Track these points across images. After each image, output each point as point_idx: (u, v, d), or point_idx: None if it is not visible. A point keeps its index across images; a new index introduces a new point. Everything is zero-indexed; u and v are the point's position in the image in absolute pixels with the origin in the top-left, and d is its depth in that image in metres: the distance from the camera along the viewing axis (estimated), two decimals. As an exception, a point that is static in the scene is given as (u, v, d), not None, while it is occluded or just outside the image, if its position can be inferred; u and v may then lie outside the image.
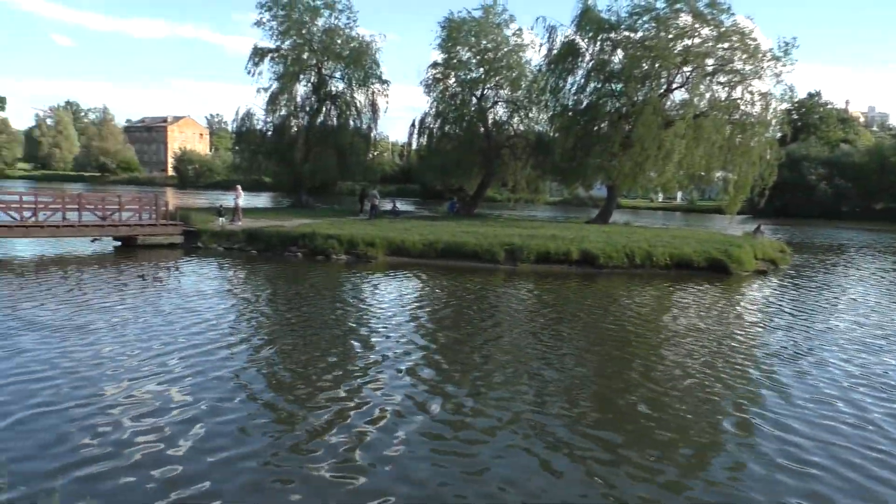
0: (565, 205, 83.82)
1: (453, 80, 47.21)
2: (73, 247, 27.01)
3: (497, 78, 45.74)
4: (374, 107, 49.44)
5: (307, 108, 48.81)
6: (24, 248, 26.12)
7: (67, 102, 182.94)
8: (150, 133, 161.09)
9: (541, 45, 43.42)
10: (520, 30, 46.26)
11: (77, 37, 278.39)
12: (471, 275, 23.32)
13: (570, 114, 41.84)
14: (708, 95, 39.34)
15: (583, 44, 41.31)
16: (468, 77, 46.40)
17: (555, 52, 42.08)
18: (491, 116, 47.38)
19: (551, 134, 44.38)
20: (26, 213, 25.53)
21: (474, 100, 46.74)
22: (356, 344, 13.11)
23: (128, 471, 7.30)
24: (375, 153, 57.56)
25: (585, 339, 14.45)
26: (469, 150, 46.13)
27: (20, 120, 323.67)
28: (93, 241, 27.82)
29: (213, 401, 9.45)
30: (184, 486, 7.01)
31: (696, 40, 38.40)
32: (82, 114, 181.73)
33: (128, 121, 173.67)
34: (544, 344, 13.66)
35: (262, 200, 63.54)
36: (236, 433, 8.40)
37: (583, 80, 41.66)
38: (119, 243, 27.89)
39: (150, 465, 7.45)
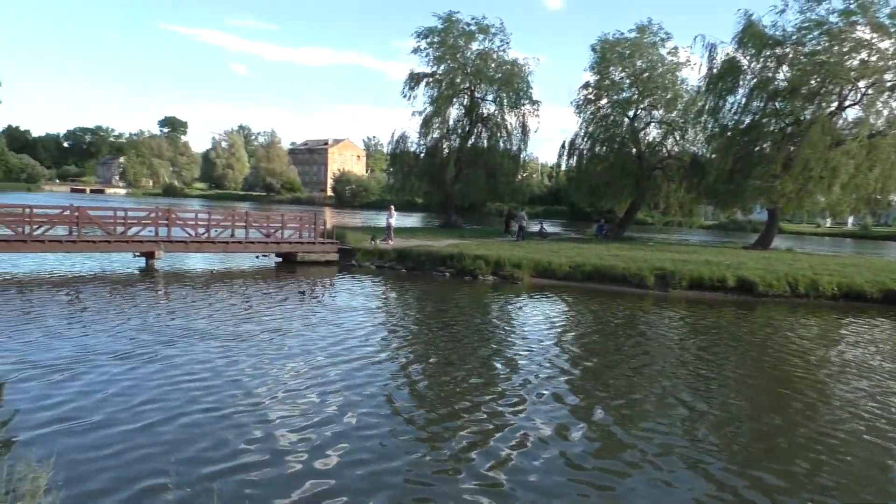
0: (721, 229, 79.95)
1: (605, 100, 46.53)
2: (239, 262, 28.96)
3: (651, 98, 44.60)
4: (524, 128, 49.65)
5: (459, 131, 49.79)
6: (197, 262, 28.29)
7: (240, 126, 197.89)
8: (311, 155, 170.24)
9: (700, 64, 42.02)
10: (675, 48, 44.93)
11: (252, 66, 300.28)
12: (618, 299, 22.72)
13: (728, 134, 40.00)
14: (886, 113, 36.32)
15: (744, 61, 39.46)
16: (620, 98, 45.58)
17: (714, 70, 40.46)
18: (643, 137, 46.21)
19: (707, 155, 42.61)
20: (200, 230, 27.67)
21: (626, 120, 45.81)
22: (500, 365, 13.09)
23: (278, 478, 7.63)
24: (524, 174, 57.68)
25: (741, 371, 13.63)
26: (620, 171, 45.17)
27: (199, 143, 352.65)
28: (257, 257, 29.70)
29: (360, 415, 9.73)
30: (328, 498, 7.24)
31: (874, 55, 35.58)
32: (253, 137, 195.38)
33: (292, 143, 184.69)
34: (696, 374, 13.02)
35: (413, 220, 65.35)
36: (380, 448, 8.58)
37: (744, 99, 39.74)
38: (280, 259, 29.58)
39: (299, 476, 7.74)
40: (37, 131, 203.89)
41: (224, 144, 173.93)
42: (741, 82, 39.82)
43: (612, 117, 46.27)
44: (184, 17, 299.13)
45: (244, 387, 10.78)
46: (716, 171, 39.14)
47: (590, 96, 46.95)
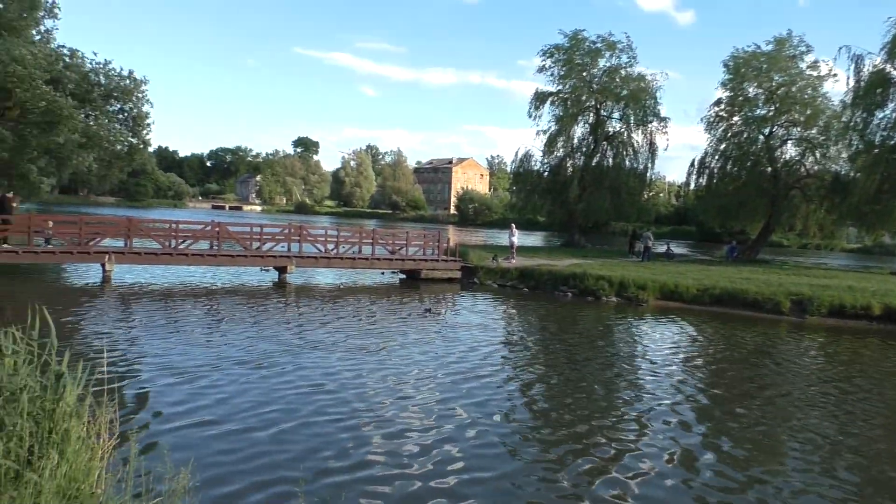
0: (865, 253, 74.58)
1: (738, 117, 44.73)
2: (365, 277, 29.84)
3: (788, 114, 42.45)
4: (651, 146, 48.46)
5: (583, 149, 49.25)
6: (325, 277, 29.38)
7: (368, 146, 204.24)
8: (436, 174, 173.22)
9: (847, 78, 39.54)
10: (816, 62, 42.62)
11: (380, 87, 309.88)
12: (750, 325, 21.67)
13: (876, 151, 37.39)
14: None
15: (895, 73, 36.86)
16: (755, 114, 43.66)
17: (861, 83, 38.02)
18: (779, 155, 44.00)
19: (852, 174, 40.01)
20: (330, 246, 28.76)
21: (761, 138, 43.80)
22: (623, 389, 12.79)
23: (400, 493, 7.75)
24: (650, 193, 56.23)
25: (887, 406, 12.64)
26: (753, 191, 43.19)
27: (329, 162, 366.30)
28: (382, 273, 30.50)
29: (480, 432, 9.75)
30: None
31: None
32: (380, 156, 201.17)
33: (418, 163, 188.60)
34: (836, 408, 12.18)
35: (535, 239, 65.07)
36: (499, 467, 8.55)
37: (894, 114, 37.10)
38: (404, 276, 30.23)
39: (421, 493, 7.82)
40: (183, 151, 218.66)
41: (353, 163, 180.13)
42: (891, 96, 37.21)
43: (745, 134, 44.39)
44: (317, 41, 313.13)
45: (367, 399, 11.06)
46: (861, 191, 36.69)
47: (722, 113, 45.29)
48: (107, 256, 24.03)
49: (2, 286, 19.53)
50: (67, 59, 30.41)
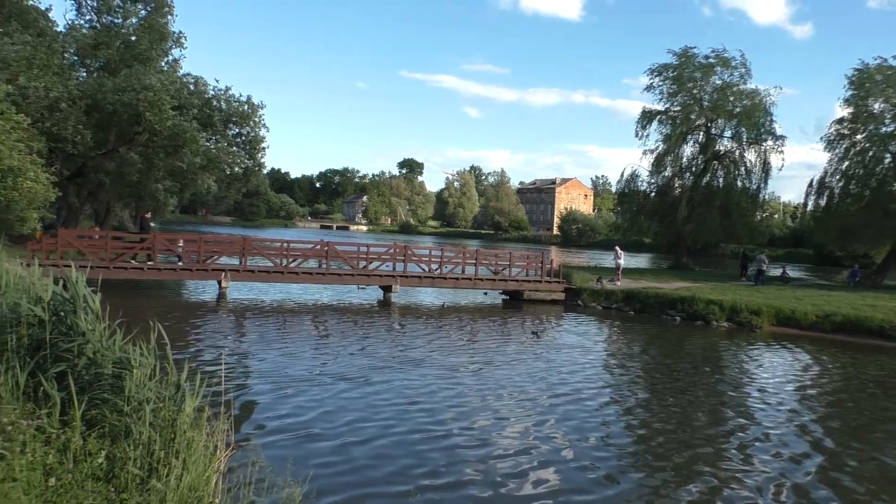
0: None
1: (861, 135, 42.28)
2: (468, 297, 30.02)
3: (920, 130, 39.78)
4: (765, 165, 46.51)
5: (692, 168, 47.85)
6: (428, 296, 29.77)
7: (472, 167, 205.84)
8: (539, 194, 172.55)
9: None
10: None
11: (483, 108, 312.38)
12: (873, 354, 20.38)
13: None
14: None
15: None
16: (880, 131, 41.18)
17: None
18: (909, 174, 41.23)
19: None
20: (433, 266, 29.14)
21: (888, 157, 41.24)
22: (729, 418, 12.34)
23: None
24: (763, 214, 53.92)
25: None
26: (878, 212, 40.58)
27: (433, 183, 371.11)
28: (485, 293, 30.60)
29: (578, 454, 9.67)
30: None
31: None
32: (483, 177, 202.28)
33: (521, 183, 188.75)
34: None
35: (640, 261, 63.61)
36: (597, 492, 8.45)
37: None
38: (507, 297, 30.22)
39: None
40: (294, 173, 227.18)
41: (456, 184, 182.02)
42: None
43: (870, 153, 41.89)
44: (424, 65, 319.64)
45: (465, 417, 11.16)
46: None
47: (844, 131, 42.95)
48: (223, 274, 25.26)
49: (128, 301, 20.87)
50: (192, 87, 32.40)
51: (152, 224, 29.62)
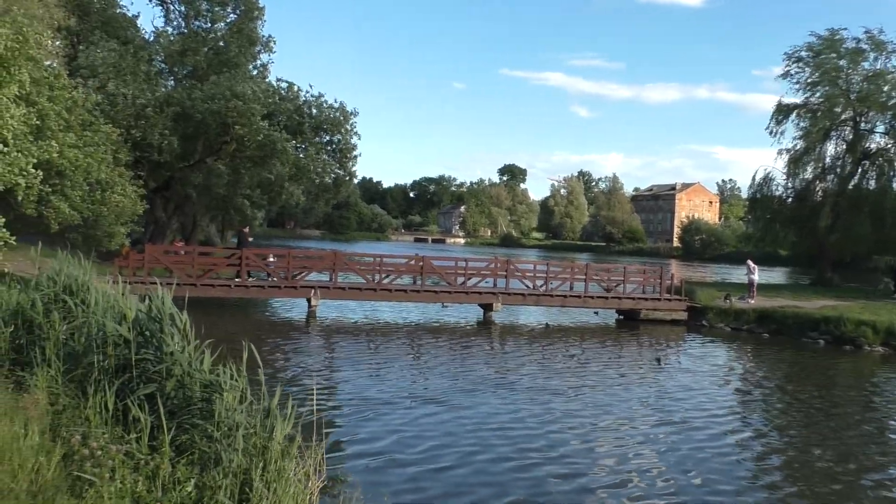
0: None
1: None
2: (576, 317, 29.67)
3: None
4: (929, 165, 43.83)
5: (837, 169, 45.64)
6: (532, 316, 29.60)
7: (580, 172, 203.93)
8: (656, 202, 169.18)
9: None
10: None
11: (594, 107, 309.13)
12: None
13: None
14: None
15: None
16: None
17: None
18: None
19: None
20: (538, 282, 28.97)
21: None
22: (880, 453, 11.63)
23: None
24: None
25: None
26: None
27: (537, 190, 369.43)
28: (595, 313, 30.14)
29: (700, 488, 9.33)
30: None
31: None
32: (593, 183, 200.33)
33: (636, 189, 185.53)
34: None
35: (776, 275, 61.17)
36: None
37: None
38: (621, 316, 29.68)
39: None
40: (387, 182, 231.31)
41: (563, 191, 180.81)
42: None
43: None
44: (527, 61, 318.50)
45: (563, 445, 11.04)
46: None
47: None
48: (312, 291, 25.94)
49: (214, 320, 21.72)
50: (284, 93, 33.58)
51: (250, 239, 30.72)
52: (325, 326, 23.74)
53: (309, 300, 25.90)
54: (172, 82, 35.05)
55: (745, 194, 55.00)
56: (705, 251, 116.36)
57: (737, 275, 49.43)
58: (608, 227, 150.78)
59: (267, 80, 35.13)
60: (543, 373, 17.14)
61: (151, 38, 34.97)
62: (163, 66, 35.10)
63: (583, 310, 30.10)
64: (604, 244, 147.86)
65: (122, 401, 6.54)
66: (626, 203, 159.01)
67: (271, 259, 28.01)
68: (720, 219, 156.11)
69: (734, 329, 27.51)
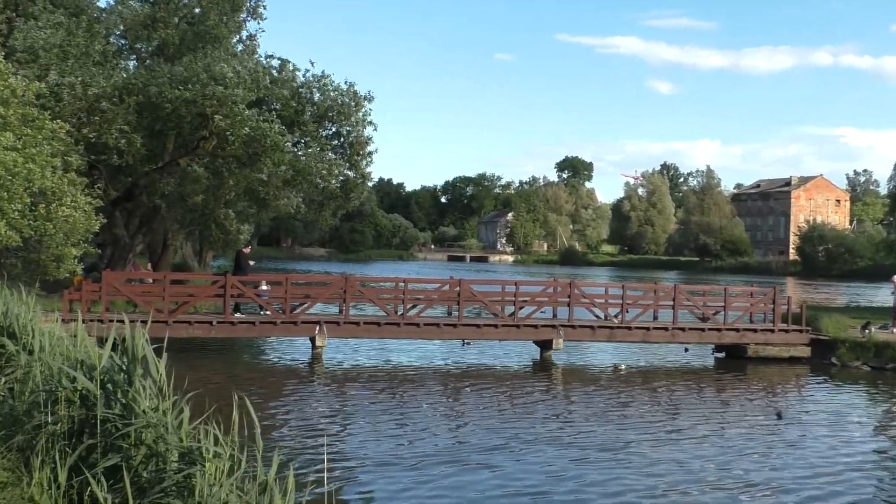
0: None
1: None
2: (662, 355, 29.42)
3: None
4: None
5: None
6: (605, 354, 29.48)
7: (663, 166, 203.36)
8: (765, 202, 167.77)
9: None
10: None
11: (679, 81, 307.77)
12: None
13: None
14: None
15: None
16: None
17: None
18: None
19: None
20: (611, 311, 28.81)
21: None
22: None
23: None
24: None
25: None
26: None
27: (608, 190, 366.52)
28: (686, 349, 29.87)
29: None
30: None
31: None
32: (681, 180, 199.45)
33: (737, 186, 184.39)
34: None
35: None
36: None
37: None
38: (721, 354, 29.42)
39: None
40: (411, 184, 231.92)
41: (641, 192, 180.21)
42: None
43: None
44: (591, 24, 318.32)
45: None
46: None
47: None
48: (317, 328, 26.06)
49: (194, 368, 21.87)
50: (276, 73, 33.38)
51: (252, 263, 30.70)
52: (334, 373, 23.85)
53: (313, 339, 26.04)
54: (135, 63, 35.43)
55: (884, 190, 54.41)
56: (832, 266, 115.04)
57: (880, 296, 48.72)
58: (702, 237, 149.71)
59: (255, 56, 35.29)
60: (622, 433, 16.97)
61: (108, 6, 35.34)
62: (122, 42, 35.54)
63: (670, 346, 29.87)
64: (696, 259, 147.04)
65: (77, 476, 6.57)
66: (725, 204, 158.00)
67: (264, 287, 28.17)
68: (851, 223, 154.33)
69: (875, 368, 27.09)
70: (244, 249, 30.95)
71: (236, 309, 27.18)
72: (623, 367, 26.50)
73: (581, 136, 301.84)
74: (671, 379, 24.95)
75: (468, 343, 29.07)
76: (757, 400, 21.75)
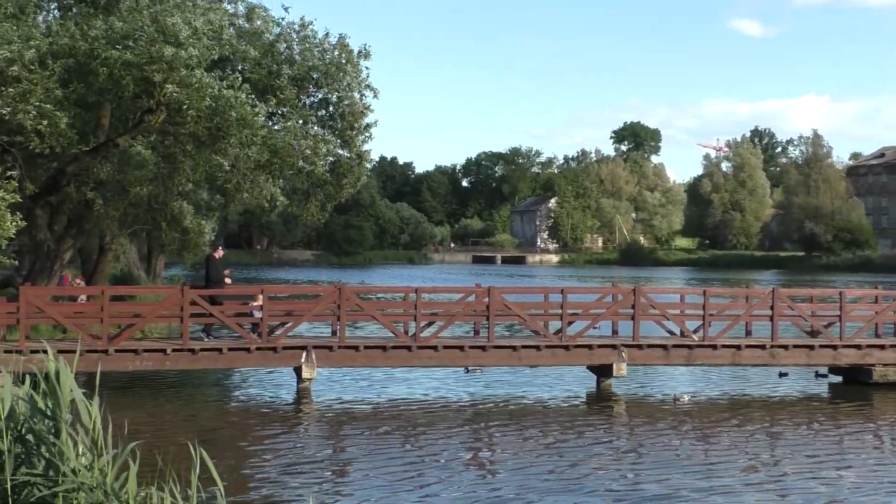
0: None
1: None
2: (759, 381, 29.29)
3: None
4: None
5: None
6: (681, 380, 29.48)
7: (754, 133, 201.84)
8: (892, 176, 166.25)
9: None
10: None
11: (770, 19, 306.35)
12: None
13: None
14: None
15: None
16: None
17: None
18: None
19: None
20: (689, 325, 28.64)
21: None
22: None
23: None
24: None
25: None
26: None
27: (680, 166, 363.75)
28: (782, 374, 29.59)
29: None
30: None
31: None
32: (777, 149, 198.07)
33: (853, 156, 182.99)
34: None
35: None
36: None
37: None
38: (838, 378, 29.24)
39: None
40: (422, 164, 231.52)
41: (725, 167, 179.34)
42: None
43: None
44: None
45: None
46: None
47: None
48: (304, 355, 26.00)
49: (145, 409, 21.92)
50: (243, 23, 33.11)
51: (228, 273, 29.80)
52: (325, 413, 23.84)
53: (298, 370, 26.00)
54: (57, 14, 35.31)
55: None
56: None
57: None
58: (807, 224, 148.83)
59: (215, 2, 35.02)
60: (711, 488, 16.96)
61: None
62: (43, -10, 35.45)
63: (767, 368, 29.69)
64: (801, 254, 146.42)
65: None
66: (839, 181, 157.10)
67: (256, 304, 27.70)
68: None
69: None
70: (215, 253, 29.86)
71: (206, 333, 27.12)
72: (686, 397, 26.33)
73: (644, 95, 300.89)
74: (771, 414, 24.81)
75: (474, 370, 28.97)
76: (889, 441, 21.64)
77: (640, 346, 27.85)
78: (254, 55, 31.50)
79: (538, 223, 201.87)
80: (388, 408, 24.88)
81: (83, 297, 29.99)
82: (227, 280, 28.61)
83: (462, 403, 25.55)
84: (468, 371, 28.88)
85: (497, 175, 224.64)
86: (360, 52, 33.13)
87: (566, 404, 25.73)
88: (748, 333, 29.09)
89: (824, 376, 29.68)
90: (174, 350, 25.62)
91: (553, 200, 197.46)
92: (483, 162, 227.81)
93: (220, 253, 30.24)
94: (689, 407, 25.44)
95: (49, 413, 7.27)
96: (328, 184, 36.69)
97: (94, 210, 37.57)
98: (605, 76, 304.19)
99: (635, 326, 28.20)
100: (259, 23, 32.65)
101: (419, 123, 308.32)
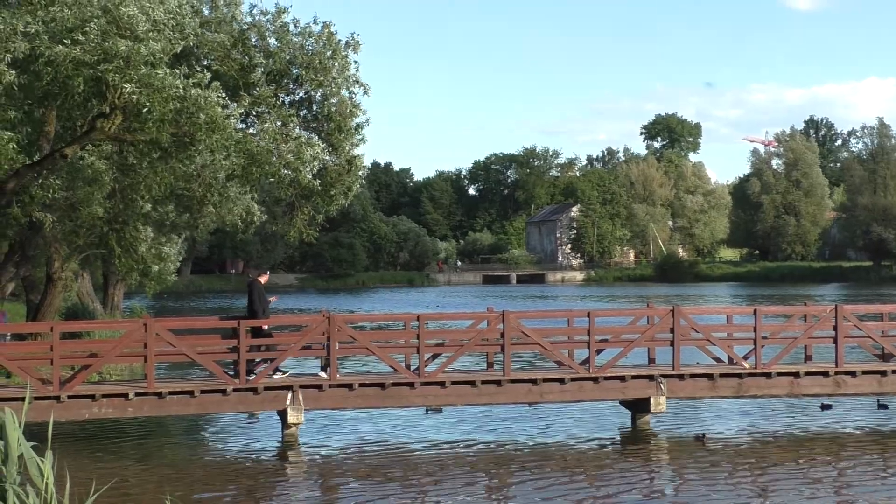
0: None
1: None
2: (826, 414, 29.25)
3: None
4: None
5: None
6: (729, 416, 29.46)
7: (809, 123, 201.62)
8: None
9: None
10: None
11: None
12: None
13: None
14: None
15: None
16: None
17: None
18: None
19: None
20: (738, 350, 28.66)
21: None
22: None
23: None
24: None
25: None
26: None
27: (723, 165, 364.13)
28: (823, 407, 29.53)
29: None
30: None
31: None
32: (837, 142, 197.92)
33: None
34: None
35: None
36: None
37: None
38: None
39: None
40: (421, 171, 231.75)
41: (776, 164, 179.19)
42: None
43: None
44: None
45: None
46: None
47: None
48: (289, 396, 26.07)
49: (105, 463, 21.96)
50: (207, 12, 32.99)
51: (273, 299, 29.53)
52: (315, 462, 23.92)
53: (283, 414, 26.08)
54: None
55: None
56: None
57: None
58: (874, 229, 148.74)
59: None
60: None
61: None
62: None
63: (838, 398, 29.66)
64: (867, 263, 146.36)
65: None
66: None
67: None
68: None
69: None
70: (260, 278, 29.70)
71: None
72: (704, 436, 26.24)
73: (678, 83, 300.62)
74: (831, 453, 24.82)
75: (434, 410, 28.93)
76: None
77: (681, 377, 27.87)
78: (221, 40, 31.12)
79: (559, 235, 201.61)
80: (388, 454, 24.86)
81: (28, 334, 29.98)
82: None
83: (474, 447, 25.56)
84: (430, 411, 28.98)
85: (509, 180, 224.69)
86: (347, 42, 32.71)
87: (596, 447, 25.66)
88: (808, 359, 29.08)
89: (885, 407, 29.81)
90: (137, 394, 25.46)
91: (576, 208, 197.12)
92: (493, 166, 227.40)
93: (265, 278, 29.83)
94: (745, 446, 25.47)
95: (-5, 470, 7.30)
96: (315, 194, 36.25)
97: (39, 234, 37.38)
98: (634, 62, 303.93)
99: (675, 353, 28.19)
100: (226, 10, 32.41)
101: (417, 123, 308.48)
